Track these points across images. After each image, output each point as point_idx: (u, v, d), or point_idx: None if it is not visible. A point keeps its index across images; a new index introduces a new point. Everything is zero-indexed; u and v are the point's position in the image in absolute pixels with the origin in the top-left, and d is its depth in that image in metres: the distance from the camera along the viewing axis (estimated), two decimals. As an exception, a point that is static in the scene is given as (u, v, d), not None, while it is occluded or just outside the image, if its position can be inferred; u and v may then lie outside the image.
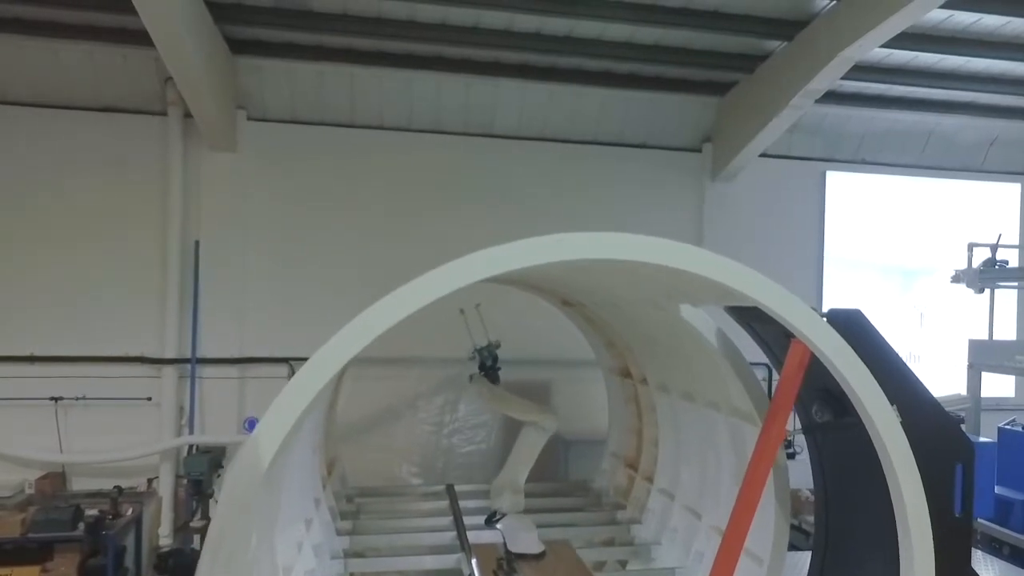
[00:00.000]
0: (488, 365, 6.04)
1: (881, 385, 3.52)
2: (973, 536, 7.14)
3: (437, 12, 7.58)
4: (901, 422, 3.55)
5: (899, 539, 3.55)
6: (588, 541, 6.93)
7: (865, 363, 3.50)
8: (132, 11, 6.01)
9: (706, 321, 4.82)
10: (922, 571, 3.44)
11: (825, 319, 3.58)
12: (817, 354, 3.49)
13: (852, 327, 3.75)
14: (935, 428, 3.72)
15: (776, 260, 9.87)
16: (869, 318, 3.89)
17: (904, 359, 3.83)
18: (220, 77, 7.94)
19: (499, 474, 5.80)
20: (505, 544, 5.08)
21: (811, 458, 4.66)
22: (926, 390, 3.82)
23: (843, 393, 3.63)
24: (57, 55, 7.99)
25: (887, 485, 3.61)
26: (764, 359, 5.43)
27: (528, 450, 5.61)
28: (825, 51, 7.25)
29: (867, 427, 3.53)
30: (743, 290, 3.28)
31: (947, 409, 3.89)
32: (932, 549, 3.47)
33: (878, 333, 3.85)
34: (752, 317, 4.03)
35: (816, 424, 4.20)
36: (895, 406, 3.55)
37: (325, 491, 6.36)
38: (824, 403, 4.13)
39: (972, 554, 6.67)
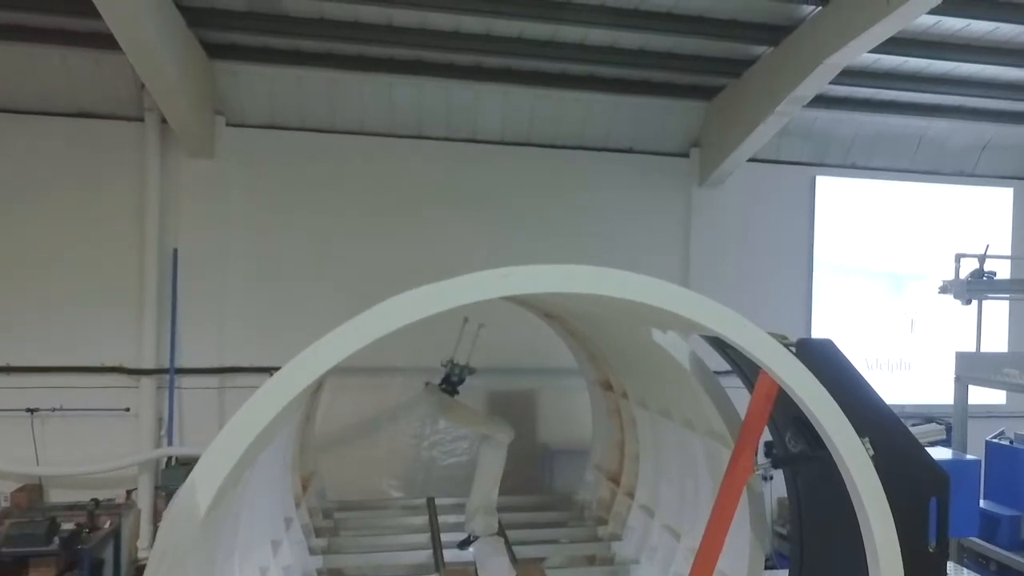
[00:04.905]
0: (453, 381, 5.98)
1: (852, 418, 3.40)
2: (959, 555, 7.06)
3: (415, 17, 7.46)
4: (872, 456, 3.43)
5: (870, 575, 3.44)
6: (569, 558, 6.84)
7: (835, 395, 3.38)
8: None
9: (679, 343, 4.71)
10: (892, 610, 3.33)
11: (793, 350, 3.45)
12: (783, 387, 3.37)
13: (822, 358, 3.62)
14: (908, 461, 3.60)
15: (765, 266, 9.79)
16: (840, 348, 3.76)
17: (877, 390, 3.70)
18: (196, 82, 7.80)
19: (470, 497, 5.70)
20: (476, 569, 4.97)
21: (787, 486, 4.55)
22: (900, 423, 3.70)
23: (816, 422, 3.50)
24: (30, 60, 7.85)
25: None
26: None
27: (490, 468, 5.54)
28: (810, 57, 7.12)
29: (836, 462, 3.41)
30: (705, 323, 3.16)
31: (923, 441, 3.77)
32: (903, 587, 3.36)
33: (850, 363, 3.73)
34: (726, 344, 3.90)
35: (790, 454, 4.08)
36: (866, 440, 3.43)
37: (299, 509, 6.26)
38: (798, 432, 4.01)
39: (960, 572, 6.58)
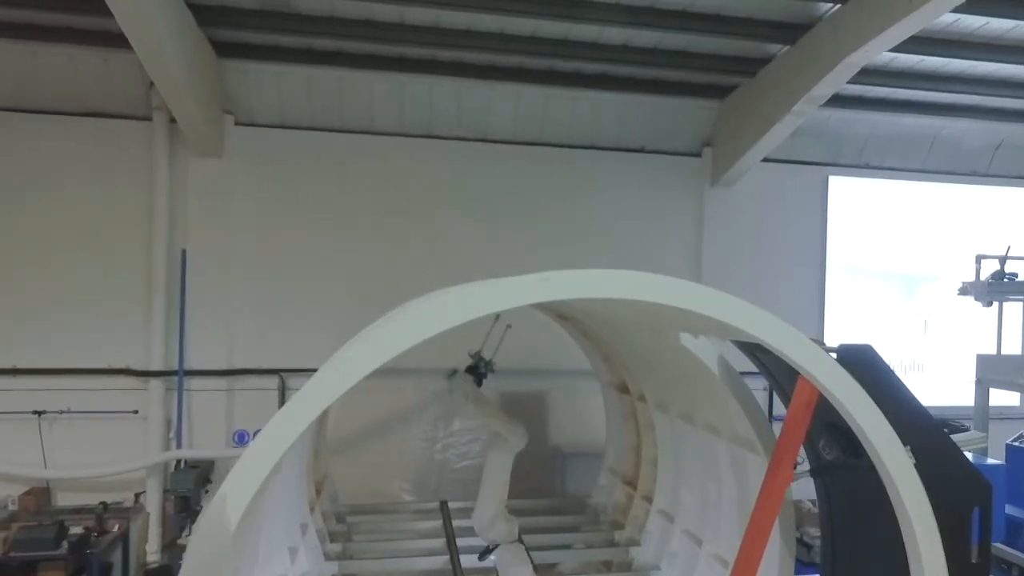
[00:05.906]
0: (478, 370, 6.00)
1: (893, 425, 3.31)
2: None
3: (429, 15, 7.37)
4: (915, 464, 3.34)
5: (912, 588, 3.35)
6: (585, 564, 6.76)
7: (876, 402, 3.30)
8: (113, 14, 5.79)
9: (708, 347, 4.61)
10: (937, 624, 3.25)
11: (834, 356, 3.36)
12: (825, 394, 3.28)
13: (862, 364, 3.53)
14: (951, 470, 3.52)
15: (777, 266, 9.71)
16: (880, 354, 3.67)
17: (917, 396, 3.62)
18: (205, 81, 7.70)
19: (480, 506, 5.60)
20: (498, 576, 4.88)
21: (818, 494, 4.46)
22: (941, 430, 3.61)
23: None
24: (37, 58, 7.75)
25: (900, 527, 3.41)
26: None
27: (499, 473, 5.47)
28: (828, 56, 7.03)
29: (879, 470, 3.32)
30: (744, 328, 3.07)
31: (965, 449, 3.69)
32: (948, 600, 3.27)
33: (890, 370, 3.64)
34: (757, 348, 3.82)
35: (825, 463, 3.99)
36: (908, 447, 3.35)
37: (313, 514, 6.17)
38: (832, 438, 3.93)
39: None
